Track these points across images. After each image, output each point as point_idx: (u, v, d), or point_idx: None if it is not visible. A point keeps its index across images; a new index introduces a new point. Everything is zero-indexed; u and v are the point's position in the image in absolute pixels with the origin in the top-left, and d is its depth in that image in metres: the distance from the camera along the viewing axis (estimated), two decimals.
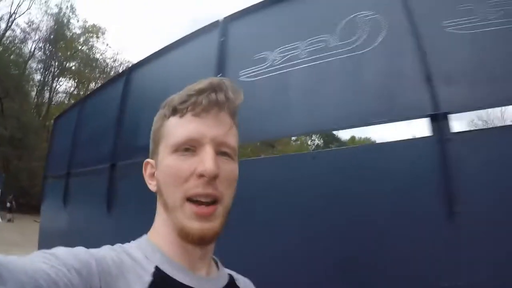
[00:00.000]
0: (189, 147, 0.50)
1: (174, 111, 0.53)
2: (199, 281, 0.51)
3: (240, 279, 0.62)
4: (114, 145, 2.16)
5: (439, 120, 1.07)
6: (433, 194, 1.00)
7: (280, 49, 1.35)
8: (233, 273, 0.63)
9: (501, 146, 0.99)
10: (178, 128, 0.51)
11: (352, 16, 1.26)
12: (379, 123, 1.10)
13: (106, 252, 0.47)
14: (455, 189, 0.97)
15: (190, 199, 0.49)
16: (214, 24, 1.68)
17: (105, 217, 2.06)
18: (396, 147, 1.15)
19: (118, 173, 2.06)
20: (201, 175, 0.48)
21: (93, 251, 0.45)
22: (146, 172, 0.57)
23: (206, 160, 0.48)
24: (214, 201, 0.49)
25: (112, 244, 0.50)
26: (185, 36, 1.84)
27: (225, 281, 0.57)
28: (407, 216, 1.04)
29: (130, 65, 2.54)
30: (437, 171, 1.01)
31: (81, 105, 3.06)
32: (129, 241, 0.54)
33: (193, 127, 0.50)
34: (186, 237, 0.50)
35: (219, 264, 0.60)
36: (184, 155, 0.50)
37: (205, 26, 1.72)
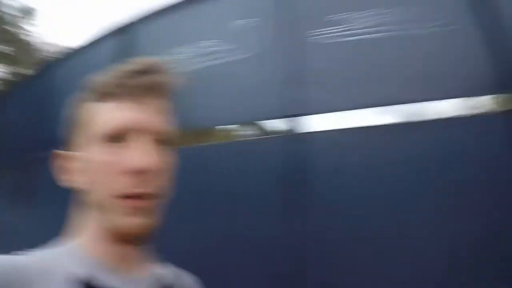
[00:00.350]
0: (119, 137, 0.42)
1: (99, 96, 0.44)
2: (125, 282, 0.45)
3: (183, 278, 0.55)
4: (32, 139, 2.24)
5: (293, 120, 1.27)
6: (284, 188, 1.17)
7: (172, 53, 1.54)
8: (173, 272, 0.55)
9: (348, 145, 1.17)
10: (104, 115, 0.43)
11: (232, 24, 1.45)
12: (242, 123, 1.37)
13: (27, 259, 0.41)
14: (305, 183, 1.15)
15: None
16: (122, 28, 1.83)
17: (25, 209, 2.15)
18: (254, 145, 1.37)
19: (36, 166, 2.15)
20: (131, 171, 0.41)
21: (13, 259, 0.39)
22: (61, 166, 0.48)
23: (136, 153, 0.41)
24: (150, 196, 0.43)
25: (34, 237, 0.49)
26: (98, 38, 1.97)
27: (156, 279, 0.50)
28: (262, 208, 1.19)
29: (47, 63, 2.59)
30: (289, 167, 1.17)
31: (7, 99, 3.02)
32: (47, 234, 0.49)
33: (124, 114, 0.43)
34: (119, 236, 0.43)
35: (156, 263, 0.54)
36: (112, 147, 0.42)
37: (114, 30, 1.87)
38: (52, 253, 0.44)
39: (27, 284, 0.37)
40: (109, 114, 0.43)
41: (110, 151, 0.42)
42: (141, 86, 0.43)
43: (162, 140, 0.44)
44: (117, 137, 0.42)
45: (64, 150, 0.48)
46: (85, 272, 0.42)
